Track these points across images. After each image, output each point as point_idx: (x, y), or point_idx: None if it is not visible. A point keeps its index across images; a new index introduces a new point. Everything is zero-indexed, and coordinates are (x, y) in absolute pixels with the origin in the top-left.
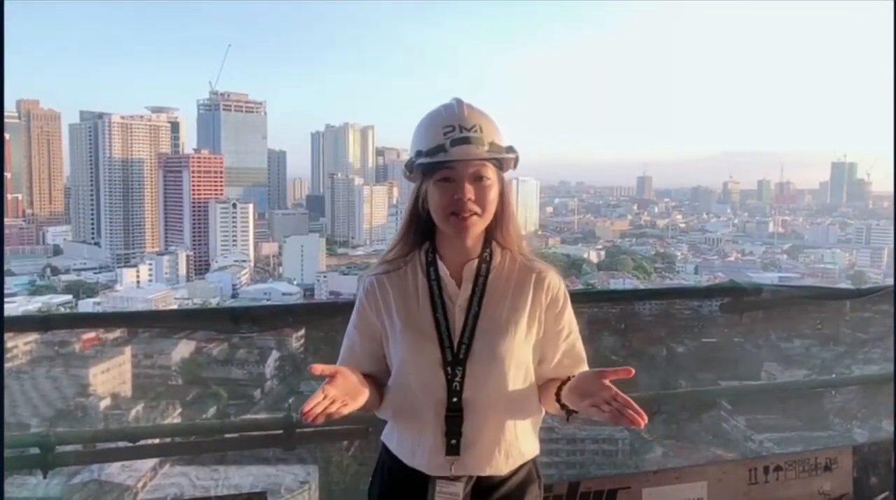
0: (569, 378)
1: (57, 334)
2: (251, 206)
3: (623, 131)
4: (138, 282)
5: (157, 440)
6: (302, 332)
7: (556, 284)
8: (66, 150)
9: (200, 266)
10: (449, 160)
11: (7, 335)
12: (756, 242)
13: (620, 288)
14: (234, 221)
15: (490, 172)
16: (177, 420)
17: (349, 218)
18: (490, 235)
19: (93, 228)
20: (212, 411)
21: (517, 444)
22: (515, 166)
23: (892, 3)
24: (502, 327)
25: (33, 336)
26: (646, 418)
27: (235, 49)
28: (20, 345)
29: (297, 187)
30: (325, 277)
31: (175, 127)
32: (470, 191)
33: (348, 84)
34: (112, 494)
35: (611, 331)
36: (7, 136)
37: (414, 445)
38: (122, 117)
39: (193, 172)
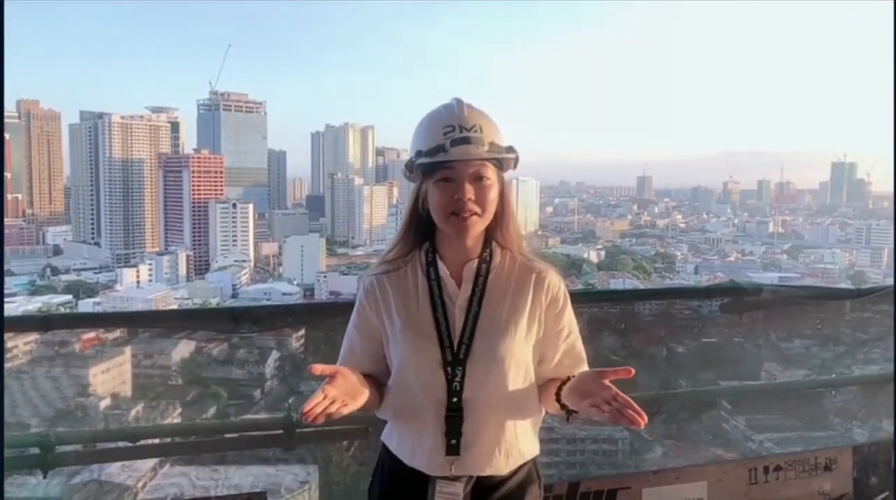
0: (569, 378)
1: (57, 334)
2: (251, 206)
3: (623, 131)
4: (138, 282)
5: (157, 440)
6: (302, 332)
7: (556, 284)
8: (66, 150)
9: (200, 266)
10: (449, 160)
11: (7, 335)
12: (756, 242)
13: (620, 288)
14: (234, 221)
15: (490, 172)
16: (177, 420)
17: (349, 218)
18: (490, 235)
19: (93, 229)
20: (212, 411)
21: (517, 444)
22: (515, 166)
23: (892, 4)
24: (502, 327)
25: (33, 336)
26: (646, 418)
27: (235, 49)
28: (20, 345)
29: (297, 187)
30: (325, 277)
31: (175, 127)
32: (470, 191)
33: (348, 84)
34: (112, 494)
35: (611, 331)
36: (7, 136)
37: (414, 445)
38: (122, 117)
39: (193, 172)
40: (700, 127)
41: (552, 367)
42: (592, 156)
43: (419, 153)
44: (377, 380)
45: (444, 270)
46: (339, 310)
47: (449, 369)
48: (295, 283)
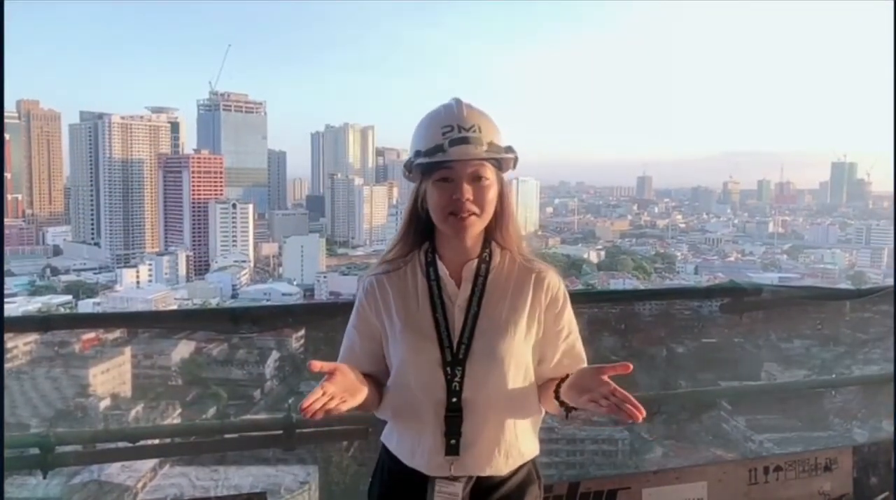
0: (567, 376)
1: (57, 335)
2: (251, 206)
3: (623, 131)
4: (138, 282)
5: (156, 441)
6: (302, 332)
7: (556, 284)
8: (66, 150)
9: (200, 267)
10: (447, 160)
11: (7, 336)
12: (756, 242)
13: (620, 288)
14: (233, 222)
15: (489, 172)
16: (176, 421)
17: (349, 218)
18: (490, 235)
19: (93, 229)
20: (212, 411)
21: (517, 444)
22: (515, 166)
23: (892, 4)
24: (502, 327)
25: (33, 337)
26: (644, 412)
27: (235, 49)
28: (20, 345)
29: (296, 188)
30: (324, 277)
31: (175, 127)
32: (468, 191)
33: (348, 84)
34: (112, 494)
35: (611, 331)
36: (7, 136)
37: (413, 445)
38: (122, 117)
39: (193, 172)
40: (700, 127)
41: (552, 367)
42: (592, 156)
43: (418, 153)
44: (376, 380)
45: (443, 270)
46: (338, 310)
47: (448, 369)
48: (295, 283)
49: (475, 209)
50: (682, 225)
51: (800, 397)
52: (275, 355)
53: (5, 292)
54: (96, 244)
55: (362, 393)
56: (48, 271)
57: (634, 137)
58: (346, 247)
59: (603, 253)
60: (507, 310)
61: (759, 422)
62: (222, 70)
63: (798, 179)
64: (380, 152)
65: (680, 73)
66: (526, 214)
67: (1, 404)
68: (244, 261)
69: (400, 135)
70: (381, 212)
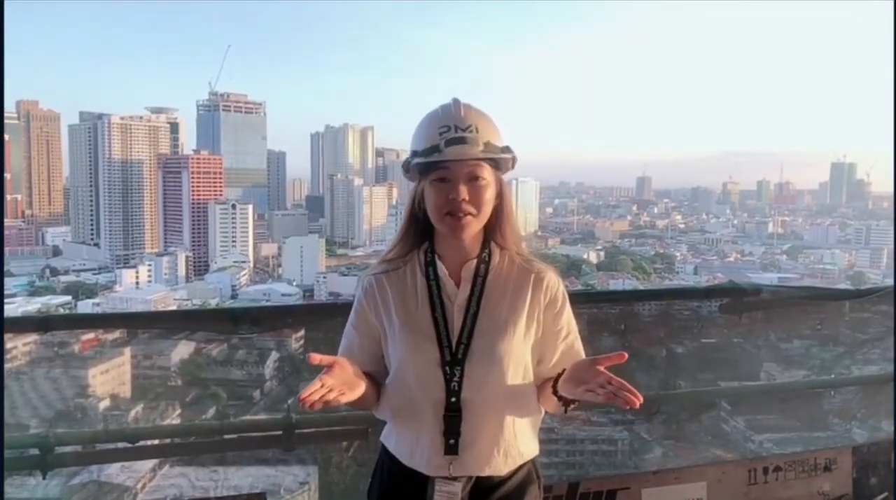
0: (564, 371)
1: (56, 335)
2: (250, 207)
3: (623, 131)
4: (137, 283)
5: (156, 441)
6: (301, 333)
7: (555, 284)
8: (66, 150)
9: (200, 267)
10: (443, 160)
11: (6, 336)
12: (755, 242)
13: (620, 289)
14: (233, 222)
15: (486, 173)
16: (176, 421)
17: (349, 219)
18: (489, 235)
19: (92, 229)
20: (211, 411)
21: (516, 444)
22: (513, 167)
23: (892, 4)
24: (501, 327)
25: (32, 337)
26: (640, 398)
27: (235, 49)
28: (19, 346)
29: (296, 188)
30: (324, 277)
31: (174, 128)
32: (464, 191)
33: (348, 84)
34: (111, 495)
35: (610, 332)
36: (7, 136)
37: (412, 445)
38: (122, 118)
39: (193, 172)
40: (700, 127)
41: (551, 367)
42: (592, 156)
43: (415, 153)
44: (375, 379)
45: (442, 270)
46: (338, 311)
47: (447, 368)
48: (294, 284)
49: (471, 210)
50: (682, 225)
51: (799, 398)
52: (274, 355)
53: (5, 292)
54: (96, 245)
55: (360, 388)
56: (47, 271)
57: (634, 138)
58: (346, 247)
59: (602, 253)
60: (507, 310)
61: (758, 422)
62: (222, 70)
63: (798, 179)
64: (379, 153)
65: (680, 73)
66: (525, 215)
67: (1, 405)
68: (244, 261)
69: (400, 135)
70: (380, 212)
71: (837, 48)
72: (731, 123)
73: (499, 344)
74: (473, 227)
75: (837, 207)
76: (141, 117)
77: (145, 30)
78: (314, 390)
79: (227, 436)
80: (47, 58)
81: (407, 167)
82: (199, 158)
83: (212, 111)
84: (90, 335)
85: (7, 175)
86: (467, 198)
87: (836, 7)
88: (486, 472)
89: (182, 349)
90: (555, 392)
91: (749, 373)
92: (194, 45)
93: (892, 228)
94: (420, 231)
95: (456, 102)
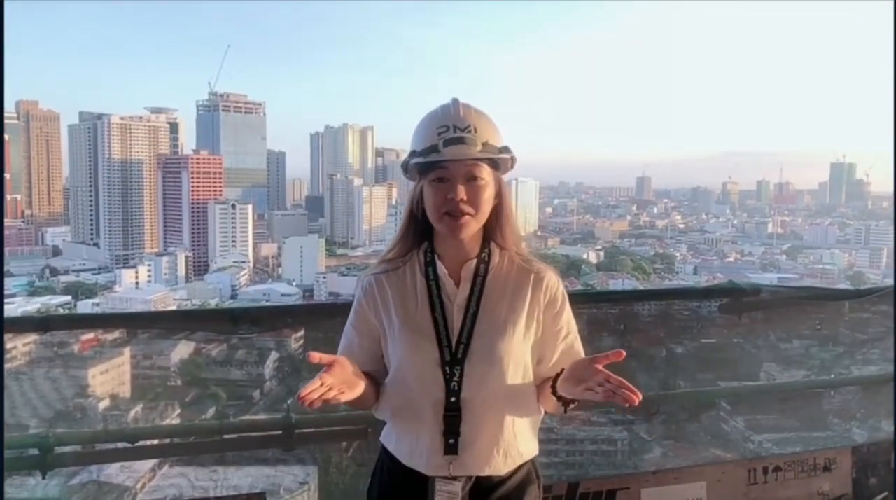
0: (563, 371)
1: (56, 335)
2: (250, 207)
3: (623, 131)
4: (137, 283)
5: (156, 441)
6: (301, 333)
7: (555, 284)
8: (66, 151)
9: (199, 267)
10: (441, 160)
11: (6, 336)
12: (755, 242)
13: (620, 289)
14: (233, 222)
15: (484, 173)
16: (176, 421)
17: (348, 219)
18: (489, 235)
19: (92, 229)
20: (211, 411)
21: (516, 444)
22: (512, 167)
23: (892, 4)
24: (500, 326)
25: (32, 337)
26: (639, 395)
27: (235, 49)
28: (19, 346)
29: (296, 188)
30: (324, 277)
31: (174, 128)
32: (462, 191)
33: (348, 84)
34: (111, 495)
35: (610, 332)
36: (7, 136)
37: (412, 445)
38: (122, 118)
39: (192, 172)
40: (700, 127)
41: (550, 367)
42: (592, 156)
43: (414, 153)
44: (374, 379)
45: (442, 269)
46: (338, 311)
47: (447, 368)
48: (294, 284)
49: (469, 210)
50: (682, 225)
51: (799, 398)
52: (274, 355)
53: (4, 292)
54: (95, 245)
55: (360, 387)
56: (47, 271)
57: (634, 138)
58: (346, 247)
59: (602, 253)
60: (506, 310)
61: (758, 422)
62: (221, 70)
63: (797, 179)
64: (379, 153)
65: (679, 73)
66: (525, 215)
67: (1, 405)
68: (243, 261)
69: (399, 135)
70: (380, 212)
71: (837, 48)
72: (731, 123)
73: (498, 344)
74: (472, 227)
75: (837, 207)
76: (141, 117)
77: (145, 30)
78: (314, 389)
79: (226, 436)
80: (47, 58)
81: (406, 167)
82: (198, 158)
83: (211, 111)
84: (90, 335)
85: (7, 175)
86: (466, 198)
87: (836, 7)
88: (486, 472)
89: (182, 349)
90: (554, 392)
91: (749, 373)
92: (194, 45)
93: (891, 228)
94: (420, 231)
95: (455, 102)
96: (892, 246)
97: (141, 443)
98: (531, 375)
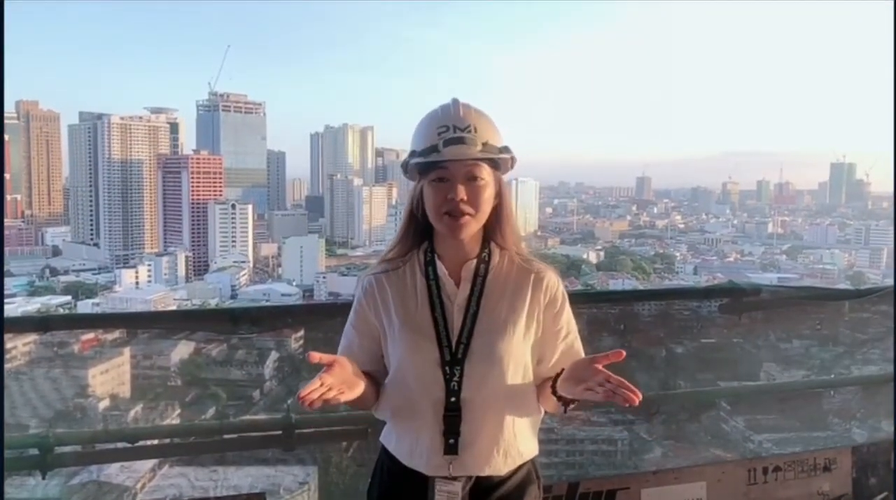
0: (563, 371)
1: (56, 335)
2: (250, 207)
3: (623, 131)
4: (137, 283)
5: (156, 441)
6: (301, 333)
7: (555, 284)
8: (66, 151)
9: (199, 267)
10: (441, 160)
11: (6, 336)
12: (755, 242)
13: (620, 289)
14: (233, 222)
15: (484, 173)
16: (176, 421)
17: (348, 219)
18: (489, 235)
19: (92, 229)
20: (211, 411)
21: (516, 444)
22: (512, 167)
23: (892, 4)
24: (501, 326)
25: (32, 337)
26: (639, 395)
27: (235, 49)
28: (19, 346)
29: (296, 188)
30: (324, 277)
31: (174, 128)
32: (462, 191)
33: (348, 84)
34: (111, 495)
35: (610, 332)
36: (7, 137)
37: (412, 445)
38: (122, 118)
39: (192, 172)
40: (700, 127)
41: (550, 367)
42: (592, 156)
43: (414, 153)
44: (374, 379)
45: (442, 269)
46: (338, 311)
47: (447, 368)
48: (294, 284)
49: (469, 210)
50: (682, 225)
51: (799, 398)
52: (274, 355)
53: (4, 292)
54: (95, 245)
55: (360, 387)
56: (47, 271)
57: (634, 138)
58: (346, 247)
59: (602, 253)
60: (506, 310)
61: (758, 422)
62: (221, 70)
63: (797, 179)
64: (379, 153)
65: (680, 73)
66: (525, 215)
67: (1, 405)
68: (243, 261)
69: (399, 135)
70: (380, 212)
71: (837, 48)
72: (731, 123)
73: (498, 344)
74: (471, 227)
75: (837, 208)
76: (141, 117)
77: (145, 30)
78: (314, 389)
79: (226, 436)
80: (47, 58)
81: (406, 167)
82: (198, 158)
83: (211, 111)
84: (90, 335)
85: (7, 175)
86: (465, 198)
87: (836, 7)
88: (486, 472)
89: (182, 349)
90: (554, 392)
91: (749, 373)
92: (194, 45)
93: (891, 228)
94: (420, 231)
95: (455, 102)
96: (892, 246)
97: (141, 443)
98: (531, 375)
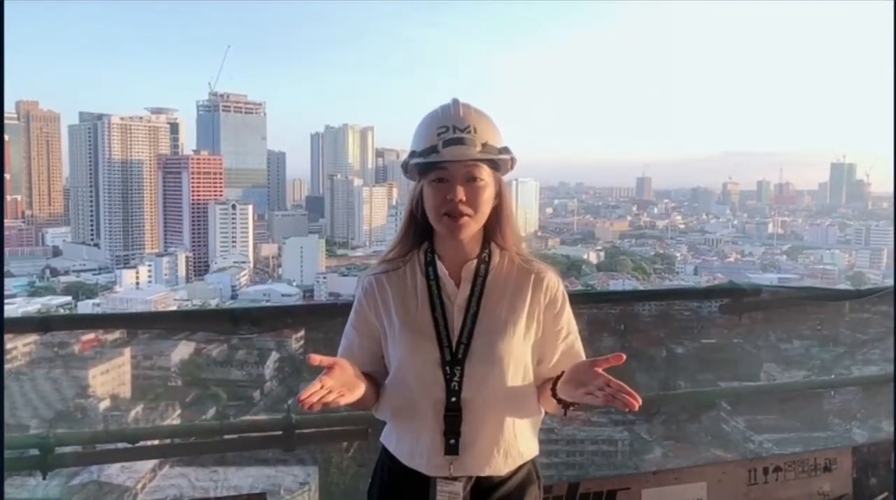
0: (563, 373)
1: (56, 336)
2: (250, 207)
3: (623, 131)
4: (137, 283)
5: (156, 442)
6: (301, 333)
7: (555, 284)
8: (66, 151)
9: (200, 267)
10: (441, 161)
11: (6, 337)
12: (755, 242)
13: (620, 289)
14: (233, 223)
15: (484, 173)
16: (176, 422)
17: (349, 219)
18: (489, 235)
19: (92, 230)
20: (211, 412)
21: (516, 444)
22: (512, 167)
23: (892, 4)
24: (501, 327)
25: (33, 337)
26: (639, 399)
27: (235, 49)
28: (20, 346)
29: (296, 188)
30: (324, 278)
31: (174, 128)
32: (461, 192)
33: (348, 84)
34: (111, 495)
35: (610, 332)
36: (7, 137)
37: (412, 445)
38: (122, 118)
39: (193, 173)
40: (700, 127)
41: (551, 367)
42: (592, 156)
43: (413, 153)
44: (374, 379)
45: (442, 270)
46: (338, 311)
47: (447, 368)
48: (294, 284)
49: (468, 211)
50: (682, 226)
51: (799, 398)
52: (274, 355)
53: (5, 292)
54: (96, 245)
55: (360, 389)
56: (47, 271)
57: (634, 138)
58: (346, 248)
59: (602, 254)
60: (507, 310)
61: (758, 422)
62: (221, 71)
63: (797, 179)
64: (379, 153)
65: (680, 73)
66: (525, 215)
67: (1, 405)
68: (244, 262)
69: (400, 135)
70: (380, 213)
71: (837, 48)
72: (731, 124)
73: (499, 344)
74: (471, 227)
75: (837, 208)
76: (141, 118)
77: (145, 30)
78: (313, 392)
79: (227, 436)
80: (47, 58)
81: (406, 167)
82: (199, 159)
83: (212, 111)
84: (90, 336)
85: (7, 175)
86: (465, 199)
87: (836, 7)
88: (487, 472)
89: (182, 350)
90: (554, 395)
91: (749, 373)
92: (194, 45)
93: (891, 228)
94: (420, 231)
95: (455, 102)
96: (892, 246)
97: (141, 443)
98: (531, 375)
